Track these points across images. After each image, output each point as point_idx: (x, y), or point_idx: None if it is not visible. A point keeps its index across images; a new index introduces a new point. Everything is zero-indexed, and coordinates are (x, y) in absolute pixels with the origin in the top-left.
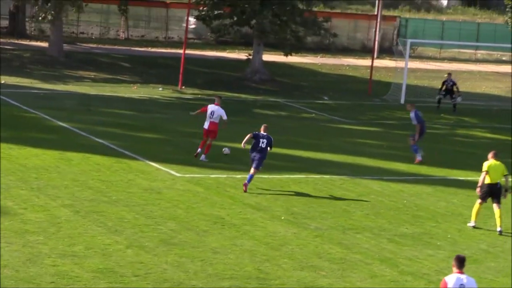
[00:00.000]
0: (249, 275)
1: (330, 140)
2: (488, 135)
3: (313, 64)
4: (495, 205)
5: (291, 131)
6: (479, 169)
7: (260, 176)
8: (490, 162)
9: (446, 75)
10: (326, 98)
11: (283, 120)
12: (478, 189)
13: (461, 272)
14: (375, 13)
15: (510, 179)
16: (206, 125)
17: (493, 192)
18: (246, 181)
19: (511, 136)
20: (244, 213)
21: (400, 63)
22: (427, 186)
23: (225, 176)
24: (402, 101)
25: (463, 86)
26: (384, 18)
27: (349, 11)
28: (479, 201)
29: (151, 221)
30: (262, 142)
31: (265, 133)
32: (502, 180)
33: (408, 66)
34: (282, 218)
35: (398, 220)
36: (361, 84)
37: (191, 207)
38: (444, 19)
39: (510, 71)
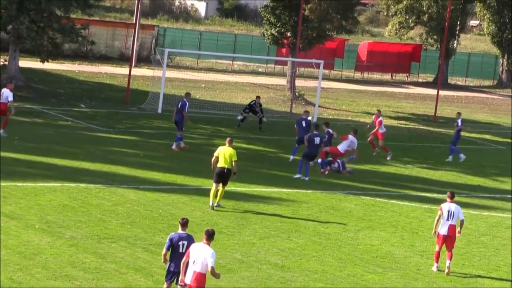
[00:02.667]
0: (1, 284)
1: (86, 148)
2: (244, 145)
3: (71, 71)
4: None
5: (47, 138)
6: (235, 178)
7: (14, 184)
8: (222, 148)
9: (255, 98)
10: (83, 106)
11: (38, 127)
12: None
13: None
14: (134, 21)
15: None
16: None
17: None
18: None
19: (263, 146)
20: None
21: (157, 72)
22: (183, 195)
23: None
24: (160, 110)
25: (219, 97)
26: (142, 26)
27: (107, 19)
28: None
29: None
30: None
31: None
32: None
33: (166, 76)
34: (37, 227)
35: (154, 229)
36: (119, 92)
37: None
38: (202, 29)
39: (265, 82)
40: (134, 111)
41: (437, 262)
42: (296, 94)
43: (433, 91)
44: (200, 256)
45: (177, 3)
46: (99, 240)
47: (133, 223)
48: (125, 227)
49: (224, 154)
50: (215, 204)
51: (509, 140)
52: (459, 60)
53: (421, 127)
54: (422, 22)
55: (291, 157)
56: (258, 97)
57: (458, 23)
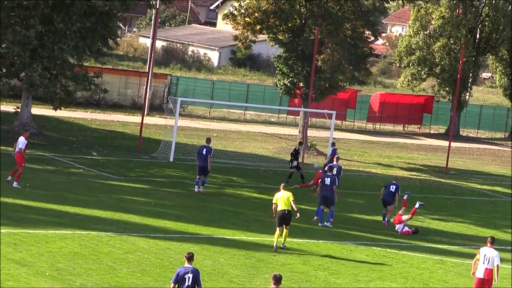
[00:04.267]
0: None
1: (98, 196)
2: (255, 194)
3: (83, 119)
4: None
5: (58, 186)
6: (245, 228)
7: (25, 231)
8: (278, 194)
9: (298, 145)
10: (95, 153)
11: (50, 175)
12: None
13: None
14: (146, 70)
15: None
16: None
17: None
18: None
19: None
20: (7, 268)
21: (170, 121)
22: (194, 244)
23: None
24: (171, 158)
25: (231, 146)
26: (155, 75)
27: (120, 67)
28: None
29: None
30: None
31: None
32: None
33: (178, 124)
34: (47, 274)
35: (164, 278)
36: (131, 140)
37: None
38: (214, 78)
39: (277, 132)
40: (146, 160)
41: None
42: (308, 144)
43: (444, 143)
44: None
45: (190, 52)
46: None
47: (143, 272)
48: (136, 276)
49: (282, 198)
50: (281, 246)
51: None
52: (471, 112)
53: (432, 179)
54: (435, 74)
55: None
56: (300, 142)
57: (471, 75)
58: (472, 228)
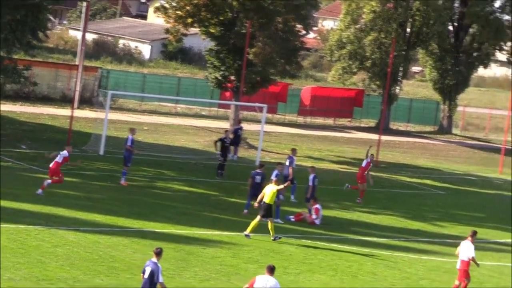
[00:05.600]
0: None
1: (27, 189)
2: (186, 188)
3: (12, 112)
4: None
5: None
6: (175, 221)
7: None
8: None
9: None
10: (24, 147)
11: None
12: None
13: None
14: (77, 63)
15: None
16: None
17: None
18: None
19: (207, 189)
20: None
21: (100, 114)
22: (124, 237)
23: None
24: (102, 152)
25: (162, 139)
26: (85, 68)
27: (50, 60)
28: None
29: None
30: None
31: None
32: None
33: (109, 118)
34: None
35: (93, 271)
36: (61, 134)
37: None
38: (145, 72)
39: (208, 125)
40: (76, 153)
41: None
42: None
43: (375, 136)
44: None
45: (121, 45)
46: (37, 282)
47: (72, 265)
48: (65, 269)
49: (268, 192)
50: (272, 238)
51: (448, 186)
52: (401, 106)
53: None
54: (365, 68)
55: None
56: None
57: (401, 69)
58: (401, 221)
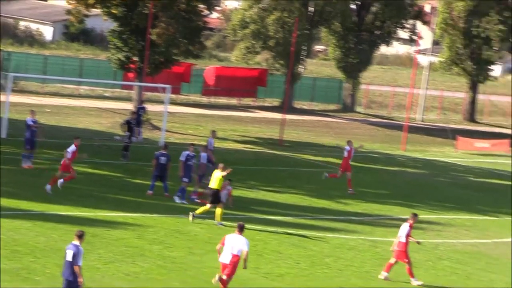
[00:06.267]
0: None
1: None
2: (89, 170)
3: None
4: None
5: None
6: (79, 203)
7: None
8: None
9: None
10: None
11: None
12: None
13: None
14: None
15: None
16: None
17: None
18: None
19: (111, 171)
20: None
21: (1, 97)
22: (27, 221)
23: None
24: (4, 135)
25: (65, 122)
26: None
27: None
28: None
29: None
30: None
31: None
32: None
33: (10, 100)
34: None
35: None
36: None
37: None
38: (47, 53)
39: (111, 106)
40: None
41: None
42: (143, 118)
43: (279, 115)
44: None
45: (22, 27)
46: None
47: None
48: None
49: (215, 177)
50: (216, 223)
51: (352, 163)
52: (304, 85)
53: (267, 151)
54: (269, 47)
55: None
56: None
57: (304, 48)
58: (306, 199)
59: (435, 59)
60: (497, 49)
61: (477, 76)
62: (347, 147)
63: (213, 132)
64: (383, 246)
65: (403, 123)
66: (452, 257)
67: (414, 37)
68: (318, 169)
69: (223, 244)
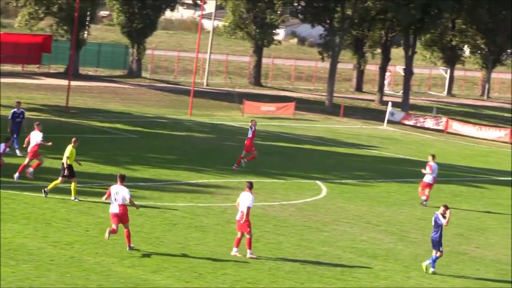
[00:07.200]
0: None
1: None
2: None
3: None
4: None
5: None
6: None
7: None
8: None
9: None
10: None
11: None
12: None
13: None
14: None
15: None
16: None
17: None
18: None
19: None
20: None
21: None
22: None
23: None
24: None
25: None
26: None
27: None
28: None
29: None
30: None
31: None
32: None
33: None
34: None
35: None
36: None
37: None
38: None
39: None
40: None
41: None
42: None
43: (64, 82)
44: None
45: None
46: None
47: None
48: None
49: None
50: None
51: (140, 129)
52: (90, 51)
53: (53, 118)
54: (52, 13)
55: None
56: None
57: (88, 13)
58: (94, 166)
59: (220, 24)
60: (280, 13)
61: (261, 40)
62: (252, 129)
63: (18, 103)
64: (172, 211)
65: (189, 88)
66: None
67: (199, 2)
68: (105, 135)
69: (109, 195)
